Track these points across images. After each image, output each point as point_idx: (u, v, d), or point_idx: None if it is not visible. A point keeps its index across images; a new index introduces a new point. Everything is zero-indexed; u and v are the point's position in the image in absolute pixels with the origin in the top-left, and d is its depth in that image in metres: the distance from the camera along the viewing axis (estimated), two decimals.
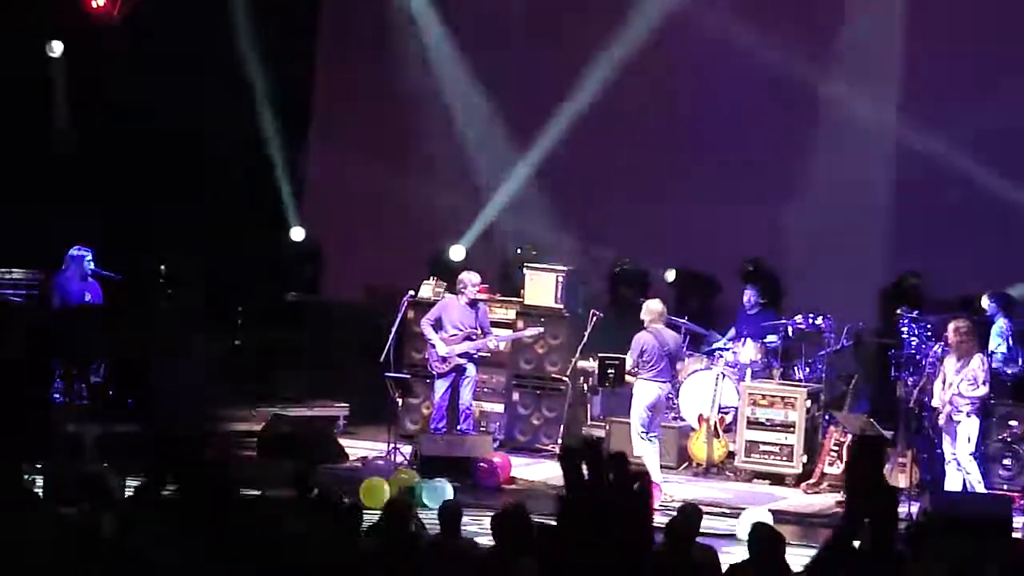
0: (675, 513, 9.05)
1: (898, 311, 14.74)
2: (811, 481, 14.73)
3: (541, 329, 15.88)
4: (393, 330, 15.19)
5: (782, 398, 15.11)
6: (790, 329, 15.54)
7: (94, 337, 15.37)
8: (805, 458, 14.98)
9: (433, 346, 15.19)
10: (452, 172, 18.12)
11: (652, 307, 14.48)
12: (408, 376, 15.33)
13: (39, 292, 15.95)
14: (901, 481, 14.06)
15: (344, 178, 18.57)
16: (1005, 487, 14.05)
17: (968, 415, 13.54)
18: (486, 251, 17.75)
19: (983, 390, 13.55)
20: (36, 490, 9.56)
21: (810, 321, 15.33)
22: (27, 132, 17.28)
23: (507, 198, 17.86)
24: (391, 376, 14.97)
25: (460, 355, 15.21)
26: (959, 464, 13.56)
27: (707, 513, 10.43)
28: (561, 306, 16.13)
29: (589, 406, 16.17)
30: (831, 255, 16.62)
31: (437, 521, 8.96)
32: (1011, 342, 14.75)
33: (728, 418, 15.45)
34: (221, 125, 17.56)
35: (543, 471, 14.79)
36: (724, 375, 15.57)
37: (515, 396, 16.20)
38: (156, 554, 5.68)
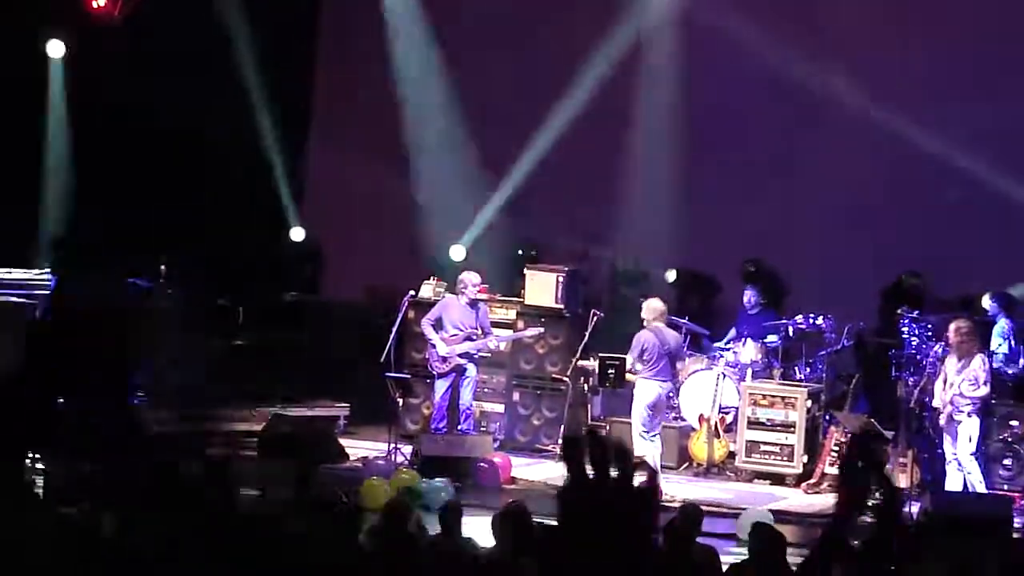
0: (675, 513, 9.04)
1: (899, 311, 14.74)
2: (812, 481, 14.72)
3: (541, 329, 15.88)
4: (393, 330, 15.19)
5: (783, 398, 15.11)
6: (791, 329, 15.53)
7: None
8: (806, 458, 14.98)
9: (433, 346, 15.19)
10: (452, 173, 18.11)
11: (653, 305, 14.47)
12: (408, 376, 15.33)
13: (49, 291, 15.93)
14: (902, 481, 14.07)
15: (344, 178, 18.58)
16: (1005, 487, 14.05)
17: (969, 415, 13.53)
18: (486, 251, 17.74)
19: (984, 390, 13.55)
20: (36, 490, 9.55)
21: (811, 321, 15.33)
22: (27, 132, 17.27)
23: (507, 198, 17.86)
24: (391, 376, 14.96)
25: (460, 355, 15.20)
26: (960, 464, 13.55)
27: (707, 513, 10.42)
28: (561, 306, 16.13)
29: (590, 406, 16.16)
30: (831, 255, 16.61)
31: (437, 521, 8.96)
32: (1013, 342, 14.75)
33: (729, 418, 15.45)
34: (221, 125, 17.57)
35: (543, 471, 14.78)
36: (725, 375, 15.57)
37: (515, 396, 16.20)
38: (156, 554, 5.68)
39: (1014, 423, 14.25)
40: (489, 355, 15.67)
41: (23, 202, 16.99)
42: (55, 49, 17.63)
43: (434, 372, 15.30)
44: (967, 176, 16.03)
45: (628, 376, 14.32)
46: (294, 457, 13.34)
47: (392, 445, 14.49)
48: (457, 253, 17.75)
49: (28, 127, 17.38)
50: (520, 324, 16.07)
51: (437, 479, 13.33)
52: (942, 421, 13.67)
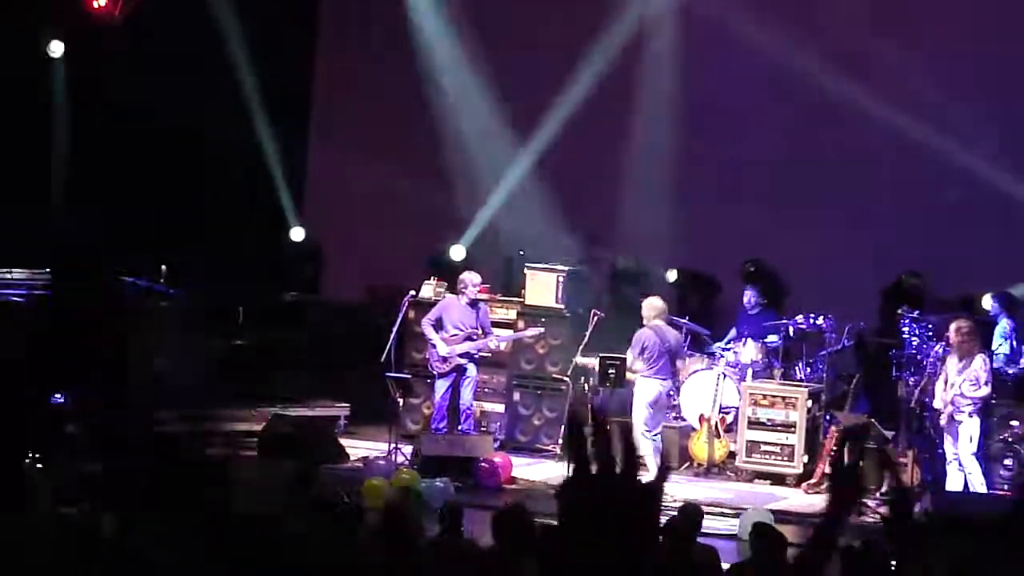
0: (675, 513, 9.04)
1: (899, 311, 14.74)
2: (812, 481, 14.71)
3: (542, 329, 15.87)
4: (394, 330, 15.19)
5: (783, 398, 15.10)
6: (791, 329, 15.52)
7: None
8: (806, 458, 14.97)
9: (434, 346, 15.19)
10: (452, 172, 18.11)
11: (653, 304, 14.47)
12: (409, 376, 15.32)
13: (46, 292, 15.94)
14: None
15: (344, 178, 18.57)
16: (1006, 487, 14.04)
17: (970, 415, 13.53)
18: (486, 251, 17.73)
19: (985, 390, 13.54)
20: (36, 490, 9.55)
21: (811, 321, 15.32)
22: (27, 132, 17.26)
23: (507, 198, 17.85)
24: (392, 376, 14.96)
25: (461, 355, 15.20)
26: (961, 464, 13.55)
27: (708, 513, 10.43)
28: (562, 306, 16.12)
29: (590, 406, 16.14)
30: (831, 255, 16.61)
31: (437, 521, 8.96)
32: (1015, 343, 14.74)
33: (729, 418, 15.44)
34: (221, 125, 17.55)
35: (544, 471, 14.79)
36: (725, 375, 15.56)
37: (516, 396, 16.19)
38: (156, 554, 5.67)
39: (1014, 423, 14.23)
40: (489, 355, 15.66)
41: (23, 202, 16.97)
42: (56, 49, 17.63)
43: (434, 372, 15.29)
44: (967, 176, 16.03)
45: (628, 375, 14.31)
46: (294, 457, 13.33)
47: (392, 445, 14.49)
48: (457, 253, 17.75)
49: (28, 127, 17.37)
50: (521, 324, 16.06)
51: (437, 479, 13.33)
52: (943, 421, 13.67)
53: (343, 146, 18.59)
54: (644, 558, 3.52)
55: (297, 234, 18.96)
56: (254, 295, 17.97)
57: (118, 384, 15.23)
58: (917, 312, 14.65)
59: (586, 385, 15.83)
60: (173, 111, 16.93)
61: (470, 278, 15.28)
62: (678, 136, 17.34)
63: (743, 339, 15.74)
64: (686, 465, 15.43)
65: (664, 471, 3.76)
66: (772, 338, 15.68)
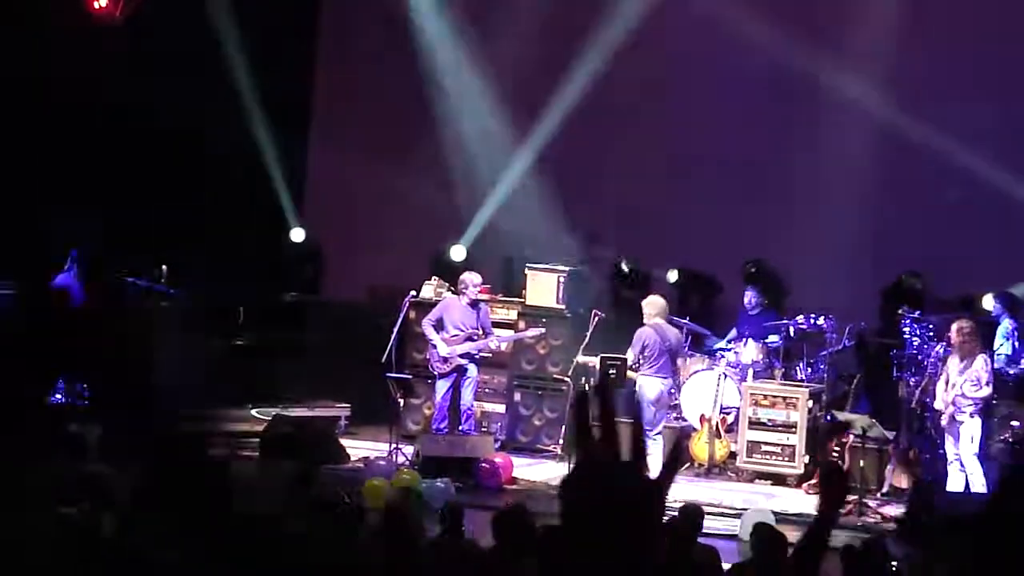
0: (675, 513, 9.04)
1: (900, 311, 14.73)
2: (813, 481, 14.70)
3: (542, 330, 15.87)
4: (394, 330, 15.19)
5: (784, 398, 15.09)
6: (792, 329, 15.52)
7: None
8: (807, 458, 14.97)
9: (434, 346, 15.18)
10: (452, 172, 18.11)
11: (654, 302, 14.46)
12: (409, 376, 15.31)
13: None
14: (903, 481, 14.07)
15: (344, 178, 18.58)
16: None
17: (971, 415, 13.52)
18: (487, 251, 17.73)
19: (986, 391, 13.53)
20: (36, 490, 9.54)
21: (812, 321, 15.31)
22: (27, 132, 17.26)
23: (507, 198, 17.85)
24: (392, 376, 14.96)
25: (461, 355, 15.20)
26: (962, 464, 13.54)
27: (708, 513, 10.42)
28: (563, 306, 16.12)
29: (591, 405, 16.10)
30: (832, 254, 16.59)
31: (437, 521, 8.96)
32: (1017, 343, 14.73)
33: (730, 418, 15.43)
34: (221, 125, 17.56)
35: (544, 471, 14.78)
36: (726, 375, 15.56)
37: (517, 396, 16.19)
38: (156, 554, 5.67)
39: (1015, 423, 14.23)
40: (490, 355, 15.66)
41: (23, 202, 16.97)
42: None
43: (435, 372, 15.29)
44: (967, 176, 16.02)
45: (629, 373, 14.31)
46: (295, 457, 13.33)
47: (393, 445, 14.49)
48: (457, 253, 17.75)
49: (28, 127, 17.37)
50: (521, 324, 16.06)
51: (438, 479, 13.32)
52: (944, 422, 13.66)
53: (343, 146, 18.59)
54: (644, 558, 3.51)
55: (297, 235, 18.95)
56: (254, 295, 17.98)
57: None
58: (918, 312, 14.65)
59: (587, 385, 15.83)
60: (173, 111, 16.94)
61: (471, 278, 15.28)
62: (679, 136, 17.35)
63: (744, 339, 15.74)
64: (687, 465, 15.42)
65: (673, 463, 3.73)
66: (773, 338, 15.67)
